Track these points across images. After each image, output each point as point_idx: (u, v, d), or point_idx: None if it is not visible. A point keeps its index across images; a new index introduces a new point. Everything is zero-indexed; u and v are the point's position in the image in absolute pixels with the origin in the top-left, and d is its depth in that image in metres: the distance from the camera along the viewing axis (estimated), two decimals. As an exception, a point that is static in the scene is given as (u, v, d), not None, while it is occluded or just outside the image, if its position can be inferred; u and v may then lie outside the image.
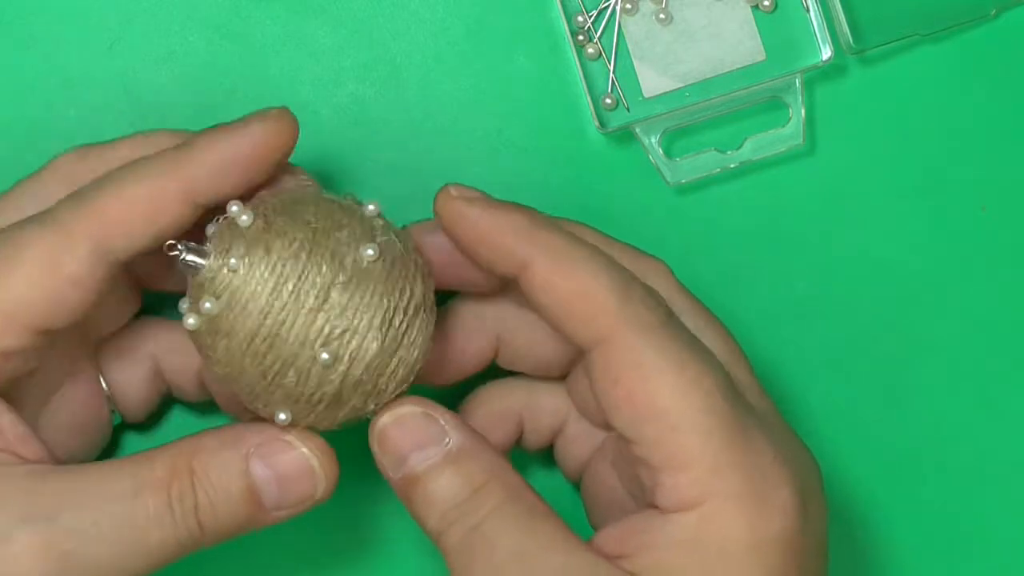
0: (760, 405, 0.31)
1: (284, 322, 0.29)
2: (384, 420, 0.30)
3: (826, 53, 0.44)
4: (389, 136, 0.44)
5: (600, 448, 0.34)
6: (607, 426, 0.31)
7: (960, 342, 0.46)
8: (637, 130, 0.43)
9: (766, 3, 0.44)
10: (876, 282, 0.46)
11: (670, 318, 0.30)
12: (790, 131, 0.44)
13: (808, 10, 0.44)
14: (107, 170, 0.32)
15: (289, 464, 0.30)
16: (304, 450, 0.30)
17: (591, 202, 0.41)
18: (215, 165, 0.31)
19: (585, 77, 0.44)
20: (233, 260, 0.30)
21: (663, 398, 0.28)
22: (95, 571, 0.29)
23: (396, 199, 0.38)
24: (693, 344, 0.29)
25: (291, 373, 0.29)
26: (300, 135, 0.34)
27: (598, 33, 0.44)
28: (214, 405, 0.37)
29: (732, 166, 0.44)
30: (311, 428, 0.31)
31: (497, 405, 0.36)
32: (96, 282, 0.31)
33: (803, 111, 0.44)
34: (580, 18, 0.44)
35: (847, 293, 0.46)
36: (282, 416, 0.30)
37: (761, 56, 0.44)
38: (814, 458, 0.31)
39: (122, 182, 0.31)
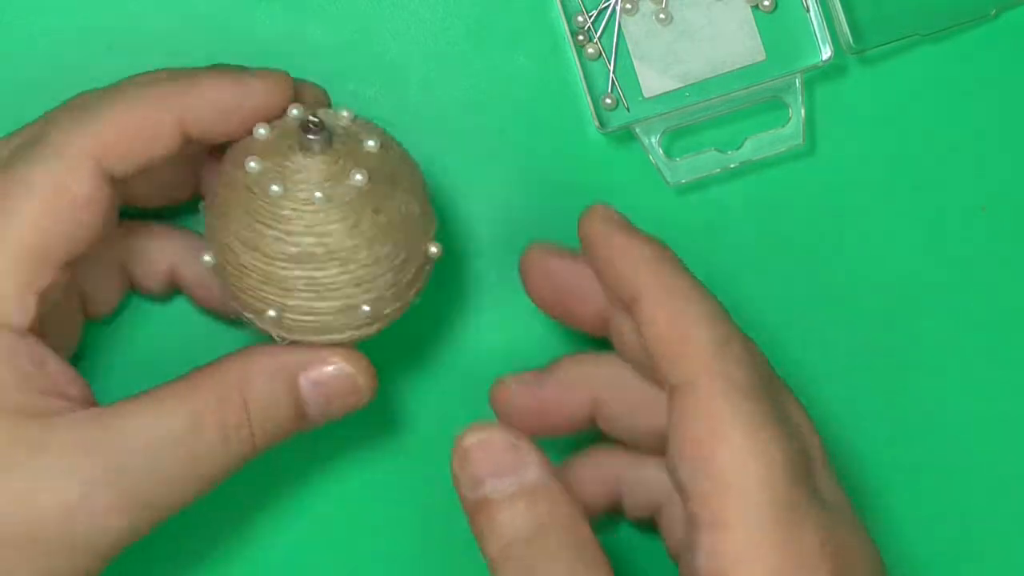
0: (829, 494, 0.30)
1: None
2: (470, 440, 0.30)
3: (826, 53, 0.44)
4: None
5: None
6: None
7: (961, 342, 0.46)
8: (637, 130, 0.43)
9: (766, 3, 0.44)
10: (876, 281, 0.46)
11: (760, 382, 0.29)
12: (790, 131, 0.44)
13: (808, 10, 0.44)
14: None
15: (335, 382, 0.32)
16: (349, 368, 0.32)
17: (591, 201, 0.41)
18: (211, 106, 0.32)
19: (585, 77, 0.44)
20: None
21: (725, 456, 0.27)
22: (161, 507, 0.31)
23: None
24: (774, 415, 0.28)
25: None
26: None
27: (598, 33, 0.44)
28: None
29: (732, 166, 0.44)
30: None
31: (594, 465, 0.36)
32: (104, 202, 0.31)
33: (803, 111, 0.44)
34: (580, 18, 0.44)
35: (848, 292, 0.46)
36: (271, 313, 0.33)
37: (761, 56, 0.44)
38: (878, 555, 0.30)
39: (121, 104, 0.32)
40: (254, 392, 0.32)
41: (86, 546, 0.30)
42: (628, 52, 0.44)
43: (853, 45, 0.44)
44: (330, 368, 0.32)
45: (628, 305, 0.31)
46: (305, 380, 0.32)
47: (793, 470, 0.28)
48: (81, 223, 0.31)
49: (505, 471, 0.29)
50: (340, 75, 0.44)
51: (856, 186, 0.46)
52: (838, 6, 0.43)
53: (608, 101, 0.44)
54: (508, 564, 0.29)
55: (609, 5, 0.44)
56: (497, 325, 0.44)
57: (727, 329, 0.30)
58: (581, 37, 0.44)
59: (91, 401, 0.32)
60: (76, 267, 0.32)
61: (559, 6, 0.44)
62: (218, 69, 0.34)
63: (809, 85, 0.44)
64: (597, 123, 0.43)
